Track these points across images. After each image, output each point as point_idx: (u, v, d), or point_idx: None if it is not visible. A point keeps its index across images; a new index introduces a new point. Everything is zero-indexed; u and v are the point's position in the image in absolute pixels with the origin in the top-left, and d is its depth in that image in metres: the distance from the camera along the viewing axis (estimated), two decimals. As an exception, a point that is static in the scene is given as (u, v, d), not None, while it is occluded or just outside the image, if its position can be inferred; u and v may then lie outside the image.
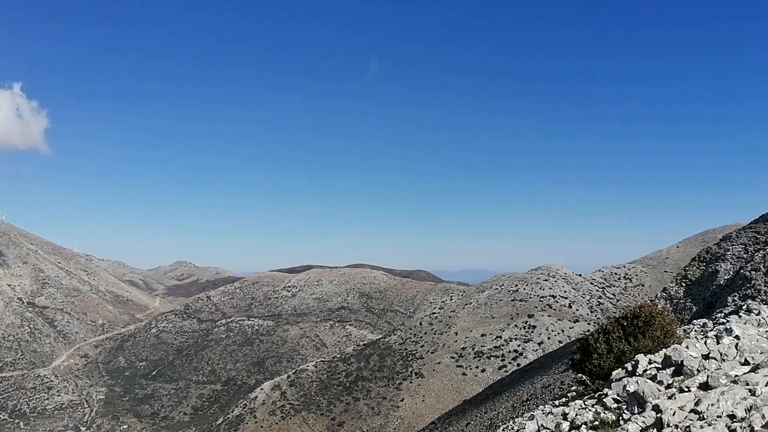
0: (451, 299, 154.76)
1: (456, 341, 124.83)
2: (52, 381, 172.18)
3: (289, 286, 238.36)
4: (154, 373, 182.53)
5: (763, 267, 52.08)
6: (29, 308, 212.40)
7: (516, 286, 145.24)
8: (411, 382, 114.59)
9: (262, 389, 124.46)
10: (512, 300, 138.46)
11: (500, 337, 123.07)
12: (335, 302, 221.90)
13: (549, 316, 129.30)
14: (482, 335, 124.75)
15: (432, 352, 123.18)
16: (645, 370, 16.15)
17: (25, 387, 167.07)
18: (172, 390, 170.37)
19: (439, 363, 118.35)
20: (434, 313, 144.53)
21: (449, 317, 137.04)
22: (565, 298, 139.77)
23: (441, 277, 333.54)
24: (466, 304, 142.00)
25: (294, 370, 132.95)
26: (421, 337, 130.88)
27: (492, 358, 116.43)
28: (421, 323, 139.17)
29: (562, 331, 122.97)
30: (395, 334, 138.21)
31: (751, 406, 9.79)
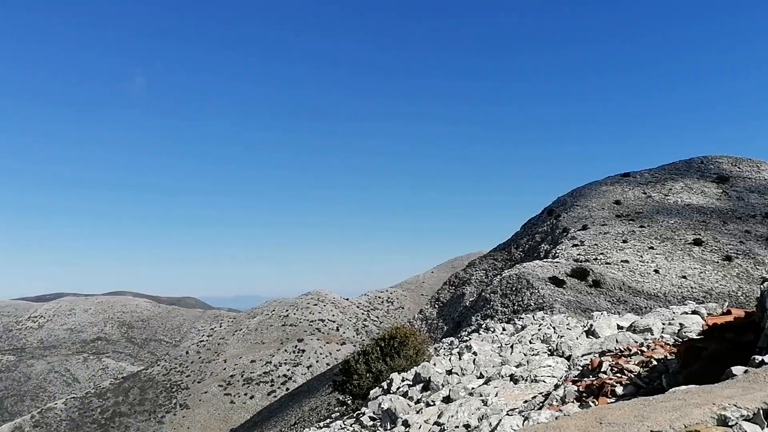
0: (221, 326, 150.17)
1: (225, 369, 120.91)
2: None
3: (35, 316, 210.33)
4: None
5: (500, 290, 59.24)
6: None
7: (287, 311, 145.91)
8: (175, 415, 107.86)
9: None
10: (283, 325, 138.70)
11: (270, 362, 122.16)
12: (90, 333, 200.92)
13: (318, 339, 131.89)
14: (252, 361, 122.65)
15: (199, 382, 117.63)
16: (398, 388, 17.19)
17: None
18: None
19: (206, 392, 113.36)
20: (202, 341, 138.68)
21: (218, 345, 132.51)
22: (334, 321, 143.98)
23: (211, 304, 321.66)
24: (236, 331, 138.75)
25: (39, 410, 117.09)
26: (187, 367, 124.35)
27: (261, 384, 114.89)
28: (187, 352, 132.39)
29: (330, 353, 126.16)
30: (159, 365, 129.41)
31: (482, 416, 10.87)
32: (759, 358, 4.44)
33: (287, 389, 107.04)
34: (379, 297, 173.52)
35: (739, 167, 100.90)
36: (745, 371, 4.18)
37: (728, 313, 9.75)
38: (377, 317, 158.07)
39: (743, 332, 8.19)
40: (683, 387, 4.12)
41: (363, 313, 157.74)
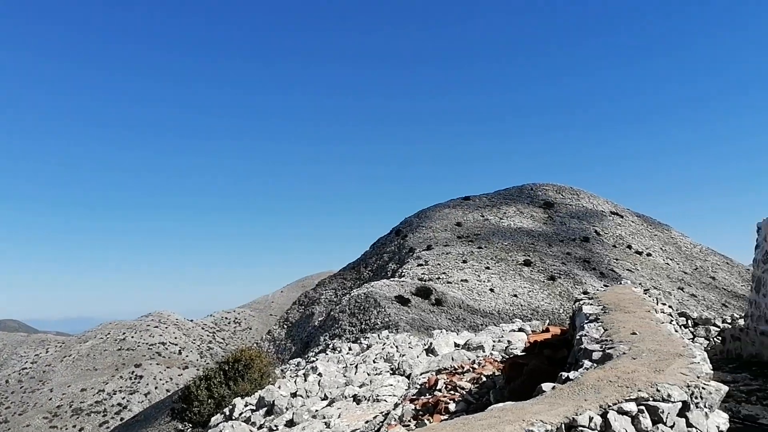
0: (47, 352, 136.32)
1: (51, 399, 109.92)
2: None
3: None
4: None
5: (348, 309, 59.99)
6: None
7: (124, 334, 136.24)
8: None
9: None
10: (119, 349, 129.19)
11: (103, 390, 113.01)
12: None
13: (158, 364, 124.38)
14: (82, 390, 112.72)
15: (20, 414, 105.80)
16: (241, 413, 16.68)
17: None
18: None
19: (28, 425, 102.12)
20: (25, 368, 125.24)
21: (44, 372, 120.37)
22: (176, 344, 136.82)
23: (36, 327, 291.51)
24: (65, 357, 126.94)
25: None
26: (6, 398, 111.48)
27: (92, 415, 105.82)
28: (7, 381, 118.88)
29: (171, 378, 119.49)
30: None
31: (324, 438, 10.89)
32: (565, 374, 4.92)
33: (122, 419, 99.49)
34: (226, 317, 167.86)
35: (562, 195, 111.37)
36: (553, 387, 4.61)
37: (547, 330, 10.70)
38: (223, 339, 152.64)
39: (559, 348, 9.04)
40: (500, 404, 4.47)
41: (208, 335, 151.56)
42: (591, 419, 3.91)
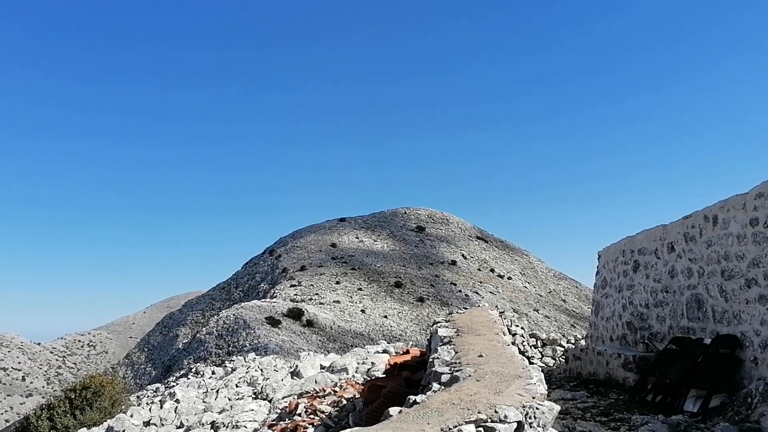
0: None
1: None
2: None
3: None
4: None
5: (216, 330, 57.88)
6: None
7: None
8: None
9: None
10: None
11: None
12: None
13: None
14: None
15: None
16: (84, 446, 15.46)
17: None
18: None
19: None
20: None
21: None
22: (19, 370, 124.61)
23: None
24: None
25: None
26: None
27: None
28: None
29: (12, 408, 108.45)
30: None
31: (175, 469, 10.33)
32: (413, 398, 5.02)
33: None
34: (79, 340, 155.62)
35: (433, 219, 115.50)
36: (400, 411, 4.69)
37: (407, 352, 10.93)
38: (75, 364, 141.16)
39: (417, 370, 9.25)
40: (349, 429, 4.46)
41: (58, 360, 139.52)
42: (432, 442, 4.00)
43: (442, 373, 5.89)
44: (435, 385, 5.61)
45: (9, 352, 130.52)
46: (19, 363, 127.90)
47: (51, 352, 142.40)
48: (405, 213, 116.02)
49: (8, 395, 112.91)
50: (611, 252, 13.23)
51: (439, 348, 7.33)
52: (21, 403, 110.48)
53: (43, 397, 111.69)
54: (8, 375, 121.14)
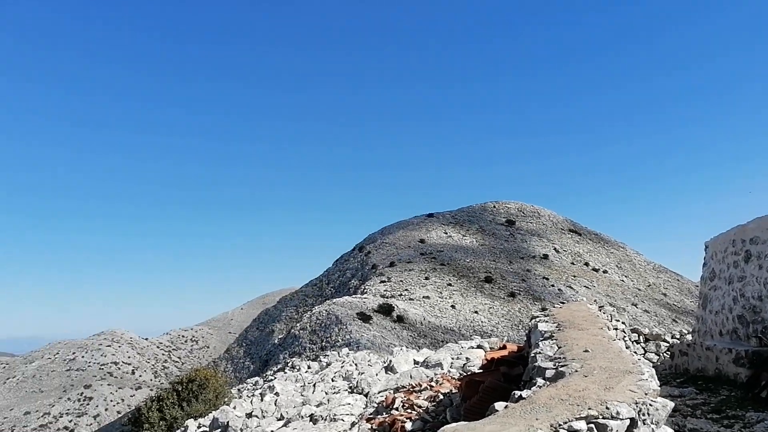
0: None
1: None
2: None
3: None
4: None
5: (309, 326, 59.40)
6: None
7: (74, 354, 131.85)
8: None
9: None
10: (68, 370, 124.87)
11: (49, 413, 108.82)
12: None
13: (109, 384, 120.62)
14: (26, 413, 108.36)
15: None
16: (194, 435, 16.25)
17: None
18: None
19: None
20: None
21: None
22: (129, 364, 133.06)
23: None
24: (8, 378, 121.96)
25: None
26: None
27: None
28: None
29: (123, 400, 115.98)
30: None
31: (278, 460, 10.66)
32: (518, 393, 4.91)
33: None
34: (183, 336, 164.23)
35: (523, 212, 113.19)
36: (506, 406, 4.59)
37: (504, 347, 10.75)
38: (179, 358, 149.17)
39: (515, 365, 9.07)
40: (452, 425, 4.42)
41: (163, 354, 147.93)
42: (542, 438, 3.90)
43: (546, 369, 5.73)
44: (539, 381, 5.46)
45: (120, 347, 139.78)
46: (129, 357, 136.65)
47: (158, 347, 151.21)
48: (494, 207, 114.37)
49: (119, 388, 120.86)
50: (720, 242, 12.44)
51: (540, 343, 7.14)
52: (131, 396, 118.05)
53: (151, 390, 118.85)
54: (119, 369, 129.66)
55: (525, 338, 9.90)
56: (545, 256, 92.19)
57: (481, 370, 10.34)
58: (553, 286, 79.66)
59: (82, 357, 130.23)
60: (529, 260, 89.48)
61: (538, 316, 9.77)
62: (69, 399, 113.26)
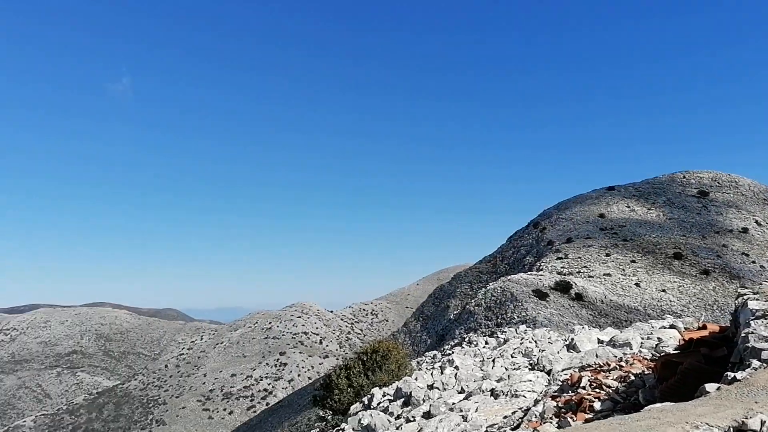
0: (202, 339, 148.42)
1: (204, 383, 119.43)
2: None
3: (8, 329, 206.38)
4: None
5: (484, 303, 59.33)
6: None
7: (270, 323, 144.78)
8: (151, 431, 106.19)
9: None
10: (265, 338, 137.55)
11: (251, 376, 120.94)
12: (66, 346, 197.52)
13: (300, 352, 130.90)
14: (232, 375, 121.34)
15: (177, 396, 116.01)
16: (379, 403, 17.07)
17: None
18: None
19: (183, 408, 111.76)
20: (182, 354, 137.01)
21: (198, 358, 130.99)
22: (317, 334, 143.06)
23: (192, 316, 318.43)
24: (217, 344, 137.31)
25: (6, 428, 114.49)
26: (165, 381, 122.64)
27: (241, 399, 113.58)
28: (166, 366, 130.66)
29: (312, 367, 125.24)
30: (136, 379, 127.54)
31: (462, 431, 10.82)
32: (731, 374, 4.46)
33: (267, 404, 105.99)
34: (364, 309, 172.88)
35: (718, 182, 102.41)
36: (718, 388, 4.20)
37: (704, 327, 9.83)
38: (361, 330, 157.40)
39: (717, 347, 8.26)
40: (658, 405, 4.12)
41: (347, 326, 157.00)
42: (763, 423, 3.50)
43: (762, 350, 5.13)
44: (754, 362, 4.91)
45: (308, 318, 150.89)
46: (317, 328, 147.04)
47: (342, 319, 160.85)
48: (684, 178, 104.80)
49: (309, 356, 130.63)
50: None
51: (751, 322, 6.41)
52: (320, 363, 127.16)
53: (336, 359, 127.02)
54: (309, 338, 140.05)
55: (730, 318, 8.96)
56: (744, 230, 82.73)
57: (677, 351, 9.58)
58: (754, 262, 71.32)
59: (277, 326, 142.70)
60: (725, 234, 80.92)
61: (745, 294, 8.79)
62: (267, 364, 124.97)
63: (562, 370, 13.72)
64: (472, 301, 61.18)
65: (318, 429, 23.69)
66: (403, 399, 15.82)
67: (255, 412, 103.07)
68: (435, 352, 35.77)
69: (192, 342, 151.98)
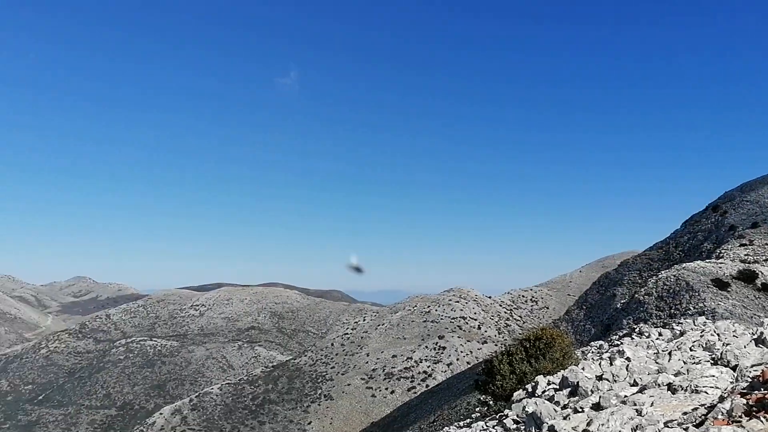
0: (364, 320, 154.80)
1: (367, 362, 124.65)
2: None
3: (197, 305, 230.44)
4: (40, 397, 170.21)
5: (655, 292, 55.47)
6: None
7: (428, 307, 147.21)
8: (319, 405, 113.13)
9: (161, 414, 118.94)
10: (424, 321, 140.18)
11: (411, 358, 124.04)
12: (245, 322, 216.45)
13: (459, 337, 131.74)
14: (393, 356, 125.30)
15: (342, 374, 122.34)
16: (544, 391, 16.68)
17: None
18: (60, 416, 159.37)
19: (348, 385, 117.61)
20: (347, 333, 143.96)
21: (361, 338, 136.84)
22: (475, 319, 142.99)
23: (355, 298, 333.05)
24: (378, 325, 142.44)
25: (197, 393, 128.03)
26: (332, 359, 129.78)
27: (402, 380, 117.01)
28: (332, 344, 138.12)
29: (471, 352, 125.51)
30: (306, 355, 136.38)
31: (636, 426, 10.26)
32: None
33: (427, 386, 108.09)
34: (523, 296, 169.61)
35: None
36: None
37: None
38: (520, 317, 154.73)
39: None
40: None
41: (506, 312, 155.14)
42: None
43: None
44: None
45: (467, 303, 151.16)
46: (475, 313, 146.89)
47: (500, 305, 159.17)
48: None
49: (468, 341, 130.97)
50: None
51: None
52: (478, 348, 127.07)
53: (495, 345, 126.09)
54: (467, 323, 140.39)
55: None
56: None
57: None
58: None
59: (436, 310, 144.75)
60: None
61: None
62: (426, 347, 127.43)
63: (752, 366, 12.47)
64: (642, 289, 57.46)
65: (479, 414, 23.75)
66: (569, 389, 15.33)
67: (415, 393, 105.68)
68: (601, 342, 34.21)
69: (355, 322, 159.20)
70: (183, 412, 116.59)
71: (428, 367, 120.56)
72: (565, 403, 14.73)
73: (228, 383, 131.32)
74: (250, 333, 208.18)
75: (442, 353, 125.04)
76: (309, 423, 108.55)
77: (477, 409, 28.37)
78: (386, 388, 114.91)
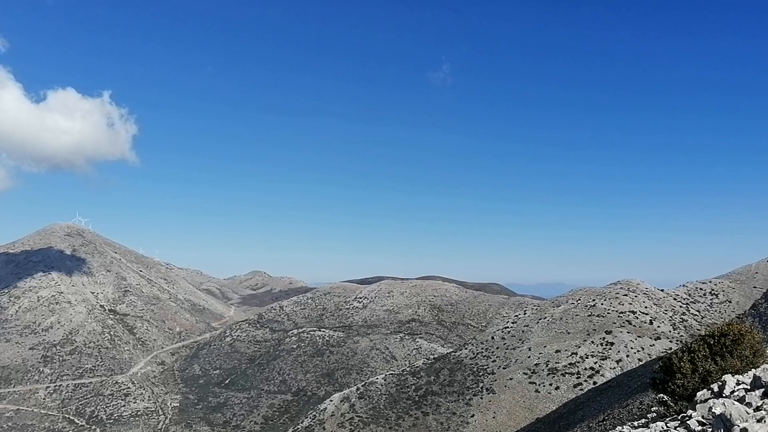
0: (525, 313, 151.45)
1: (529, 357, 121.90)
2: (129, 388, 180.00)
3: (360, 297, 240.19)
4: (227, 381, 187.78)
5: None
6: (110, 315, 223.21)
7: (593, 300, 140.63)
8: (482, 398, 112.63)
9: (331, 401, 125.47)
10: (589, 315, 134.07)
11: (576, 353, 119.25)
12: (406, 314, 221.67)
13: (628, 332, 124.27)
14: (557, 351, 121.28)
15: (504, 368, 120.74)
16: (732, 392, 15.17)
17: (102, 393, 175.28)
18: (244, 399, 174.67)
19: (511, 379, 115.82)
20: (507, 327, 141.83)
21: (522, 332, 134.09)
22: (646, 314, 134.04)
23: (514, 291, 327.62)
24: (540, 319, 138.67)
25: (363, 383, 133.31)
26: (492, 352, 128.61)
27: (567, 376, 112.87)
28: (493, 337, 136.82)
29: (642, 348, 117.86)
30: (466, 348, 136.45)
31: None
32: None
33: (594, 383, 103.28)
34: (701, 289, 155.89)
35: None
36: None
37: None
38: (698, 311, 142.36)
39: None
40: None
41: (681, 306, 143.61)
42: None
43: None
44: None
45: (636, 297, 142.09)
46: (646, 307, 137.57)
47: (674, 299, 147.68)
48: None
49: (638, 336, 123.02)
50: None
51: None
52: (651, 345, 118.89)
53: (670, 341, 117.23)
54: (637, 318, 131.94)
55: None
56: None
57: None
58: None
59: (601, 304, 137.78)
60: None
61: None
62: (593, 342, 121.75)
63: None
64: None
65: (656, 413, 22.18)
66: (762, 390, 13.80)
67: (582, 390, 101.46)
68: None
69: (516, 316, 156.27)
70: (351, 400, 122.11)
71: (595, 363, 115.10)
72: (758, 405, 13.29)
73: (392, 374, 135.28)
74: (411, 325, 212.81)
75: (609, 349, 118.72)
76: (472, 416, 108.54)
77: (653, 408, 26.51)
78: (550, 384, 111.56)
